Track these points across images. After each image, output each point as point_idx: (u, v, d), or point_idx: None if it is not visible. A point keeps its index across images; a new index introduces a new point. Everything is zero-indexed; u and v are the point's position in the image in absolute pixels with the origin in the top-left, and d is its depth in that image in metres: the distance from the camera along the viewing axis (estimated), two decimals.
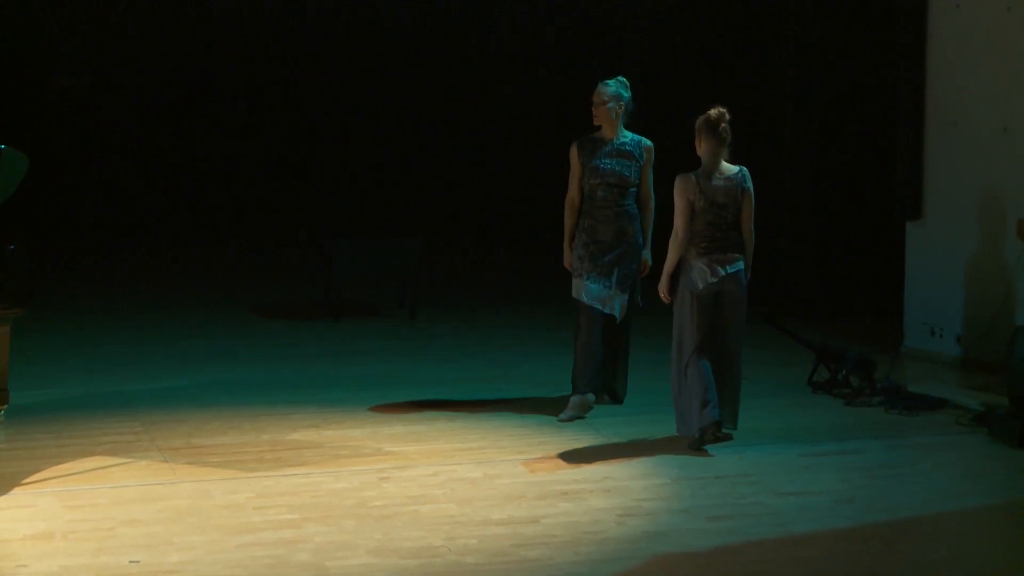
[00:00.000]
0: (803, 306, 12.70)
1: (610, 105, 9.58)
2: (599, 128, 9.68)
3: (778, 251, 12.53)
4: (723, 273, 8.92)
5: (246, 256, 16.63)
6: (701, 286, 8.91)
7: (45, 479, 8.09)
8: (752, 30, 14.07)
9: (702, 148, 8.95)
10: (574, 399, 9.64)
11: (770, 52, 13.64)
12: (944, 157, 11.18)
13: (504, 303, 13.95)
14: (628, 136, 9.67)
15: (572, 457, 8.58)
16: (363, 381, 10.56)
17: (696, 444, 8.82)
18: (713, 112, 8.93)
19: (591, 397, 9.70)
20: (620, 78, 9.73)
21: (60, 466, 8.33)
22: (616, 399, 9.92)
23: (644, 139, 9.69)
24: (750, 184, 9.00)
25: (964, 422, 9.34)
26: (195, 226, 17.63)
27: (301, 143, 18.44)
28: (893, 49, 11.73)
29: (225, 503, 7.68)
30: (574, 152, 9.70)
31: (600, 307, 9.59)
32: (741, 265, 8.95)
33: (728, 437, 8.98)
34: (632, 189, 9.63)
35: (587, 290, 9.59)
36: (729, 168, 9.00)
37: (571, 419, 9.52)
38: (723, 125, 8.91)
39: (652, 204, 9.71)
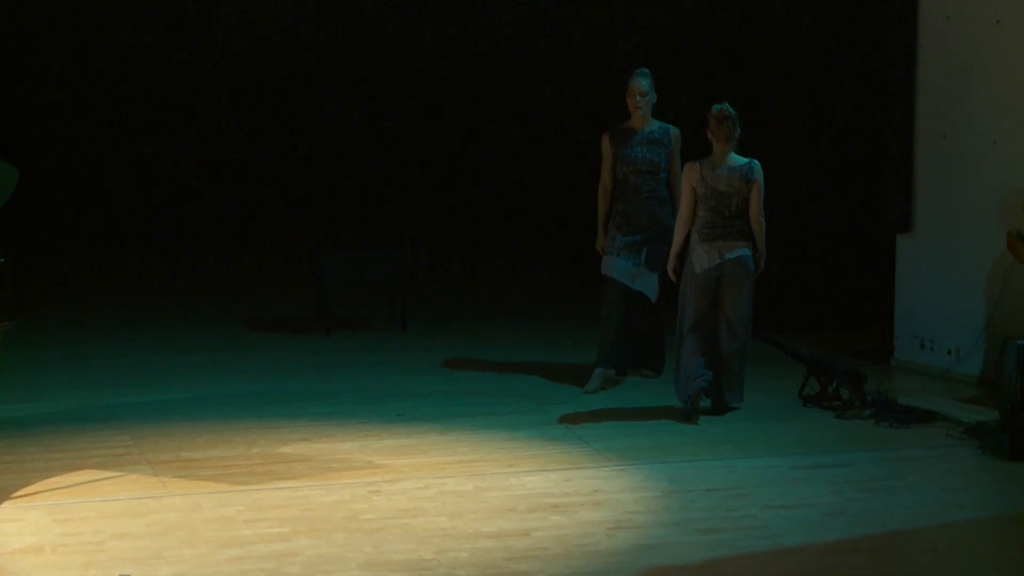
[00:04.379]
0: (793, 319, 12.70)
1: (648, 96, 10.38)
2: (628, 118, 10.46)
3: (768, 262, 12.54)
4: (721, 260, 9.65)
5: (235, 269, 16.60)
6: (699, 271, 9.67)
7: (35, 493, 8.08)
8: (743, 37, 14.07)
9: (711, 140, 9.72)
10: (597, 371, 10.51)
11: (761, 62, 13.65)
12: (934, 170, 11.19)
13: (495, 314, 13.94)
14: (656, 124, 10.49)
15: (563, 470, 8.58)
16: (354, 394, 10.55)
17: (686, 414, 9.67)
18: (715, 108, 9.66)
19: (612, 372, 10.58)
20: (646, 71, 10.49)
21: (50, 479, 8.31)
22: (656, 372, 10.77)
23: (671, 127, 10.49)
24: (758, 175, 9.67)
25: (954, 435, 9.35)
26: (184, 239, 17.60)
27: (289, 155, 18.42)
28: (883, 61, 11.74)
29: (215, 516, 7.67)
30: (606, 142, 10.50)
31: (629, 283, 10.37)
32: (744, 251, 9.67)
33: (735, 408, 9.80)
34: (662, 174, 10.43)
35: (617, 266, 10.38)
36: (737, 159, 9.68)
37: (594, 391, 10.40)
38: (725, 121, 9.61)
39: (680, 188, 10.34)
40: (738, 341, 9.74)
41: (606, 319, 10.51)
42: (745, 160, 9.68)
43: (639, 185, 10.41)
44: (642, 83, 10.41)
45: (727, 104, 9.67)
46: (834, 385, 10.11)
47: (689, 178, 9.71)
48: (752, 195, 9.63)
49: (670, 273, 9.93)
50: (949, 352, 11.04)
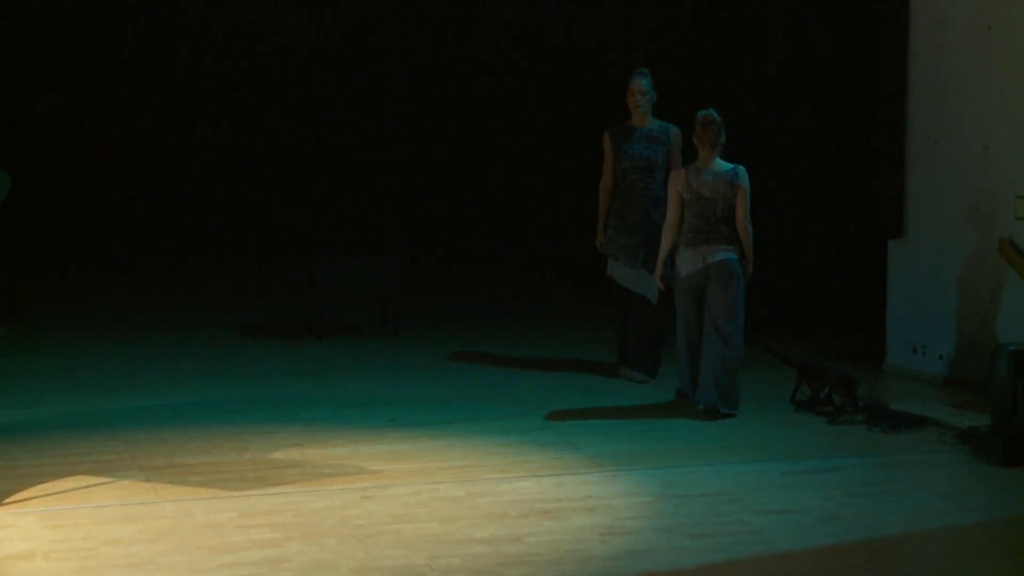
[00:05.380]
0: (785, 323, 12.70)
1: (648, 95, 10.65)
2: (628, 118, 10.71)
3: (759, 267, 12.57)
4: (705, 264, 9.73)
5: (230, 274, 16.60)
6: (684, 274, 9.80)
7: (26, 498, 8.07)
8: (733, 40, 14.08)
9: (696, 145, 9.83)
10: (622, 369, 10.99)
11: (756, 65, 13.65)
12: (926, 175, 11.20)
13: (488, 320, 13.94)
14: (656, 123, 10.72)
15: (555, 475, 8.58)
16: (346, 400, 10.54)
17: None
18: (700, 114, 9.77)
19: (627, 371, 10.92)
20: (646, 71, 10.76)
21: (41, 485, 8.30)
22: (649, 375, 10.81)
23: (672, 126, 10.73)
24: (743, 181, 9.75)
25: (946, 440, 9.36)
26: (179, 244, 17.59)
27: (283, 160, 18.41)
28: (876, 66, 11.76)
29: (207, 522, 7.66)
30: (607, 140, 10.77)
31: (630, 286, 10.63)
32: (729, 255, 9.72)
33: (731, 415, 9.81)
34: (658, 172, 10.63)
35: (618, 271, 10.69)
36: (722, 165, 9.77)
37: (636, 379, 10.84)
38: (710, 128, 9.70)
39: None
40: (728, 347, 9.71)
41: (615, 318, 10.96)
42: (730, 166, 9.79)
43: (635, 182, 10.64)
44: (642, 82, 10.65)
45: (712, 110, 9.80)
46: (826, 390, 10.12)
47: (675, 184, 9.86)
48: (737, 200, 9.73)
49: (658, 281, 10.06)
50: (941, 357, 11.05)
